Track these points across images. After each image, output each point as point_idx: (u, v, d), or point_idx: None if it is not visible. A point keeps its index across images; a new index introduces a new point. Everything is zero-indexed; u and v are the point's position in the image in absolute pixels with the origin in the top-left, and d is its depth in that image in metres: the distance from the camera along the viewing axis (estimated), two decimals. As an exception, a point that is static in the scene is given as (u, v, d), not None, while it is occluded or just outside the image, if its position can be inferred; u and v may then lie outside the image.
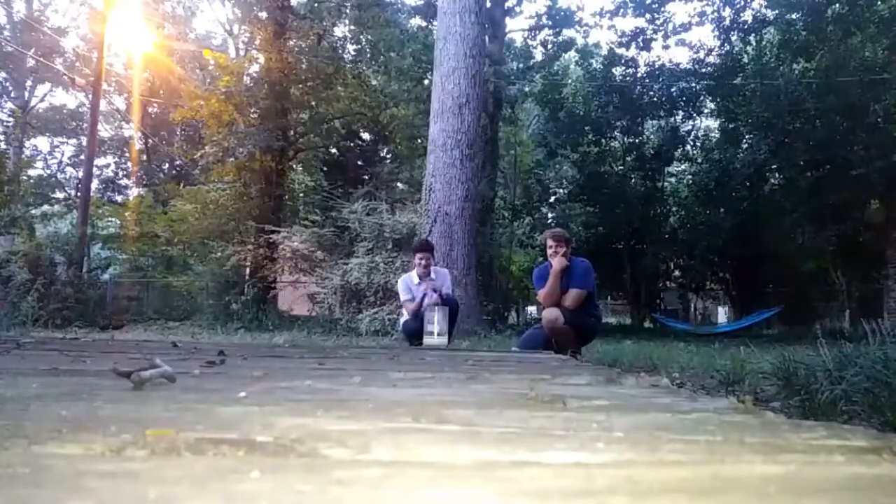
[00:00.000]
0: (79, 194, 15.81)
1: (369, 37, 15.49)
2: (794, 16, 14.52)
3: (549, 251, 4.58)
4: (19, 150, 21.45)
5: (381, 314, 8.36)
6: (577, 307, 4.41)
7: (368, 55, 16.21)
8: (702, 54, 16.39)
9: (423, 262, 5.18)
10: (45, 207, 21.48)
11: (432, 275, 5.25)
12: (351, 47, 17.10)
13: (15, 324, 8.36)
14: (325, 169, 18.65)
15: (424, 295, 5.04)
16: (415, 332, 4.98)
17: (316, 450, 0.80)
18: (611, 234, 17.00)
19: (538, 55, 17.11)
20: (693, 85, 16.56)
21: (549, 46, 16.75)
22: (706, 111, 18.11)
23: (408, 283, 5.28)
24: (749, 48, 16.73)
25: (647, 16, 15.82)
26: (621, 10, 15.88)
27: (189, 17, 23.04)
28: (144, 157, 23.41)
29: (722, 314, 21.15)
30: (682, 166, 19.15)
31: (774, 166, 15.93)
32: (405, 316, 5.36)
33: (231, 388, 1.57)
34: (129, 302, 13.71)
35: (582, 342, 4.61)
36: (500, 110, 14.93)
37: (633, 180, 17.29)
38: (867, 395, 1.94)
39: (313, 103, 15.54)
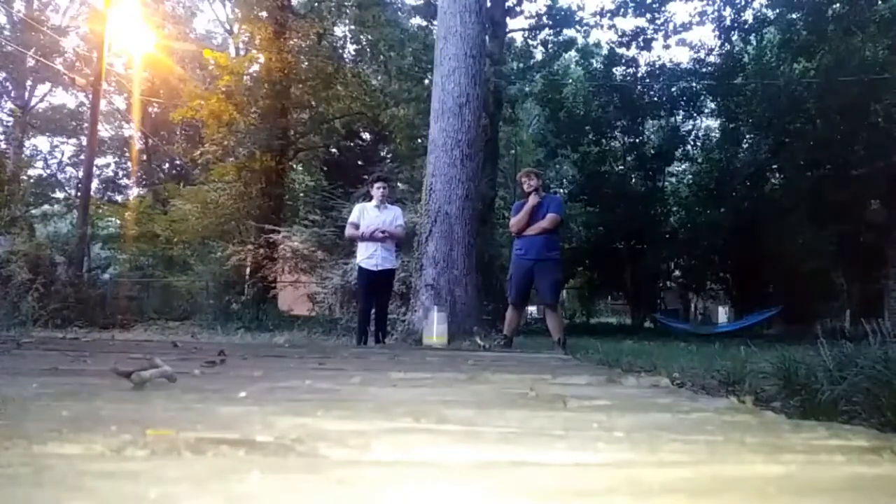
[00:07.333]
0: (79, 194, 15.80)
1: (369, 36, 15.46)
2: (794, 15, 14.51)
3: (526, 188, 5.19)
4: (19, 149, 21.43)
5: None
6: (552, 229, 5.07)
7: (368, 55, 16.18)
8: (702, 54, 16.40)
9: (382, 191, 5.53)
10: (45, 207, 21.43)
11: (388, 206, 5.61)
12: (351, 47, 17.09)
13: (15, 324, 8.33)
14: (325, 169, 18.63)
15: (374, 229, 5.35)
16: (363, 323, 5.38)
17: (316, 450, 0.79)
18: (611, 234, 16.97)
19: (538, 55, 17.06)
20: (693, 85, 16.54)
21: (550, 46, 16.70)
22: (707, 111, 18.09)
23: (360, 210, 5.60)
24: (749, 48, 16.71)
25: (648, 15, 15.80)
26: (622, 10, 15.85)
27: (189, 17, 23.03)
28: (144, 157, 23.40)
29: (722, 314, 21.14)
30: (683, 166, 19.13)
31: (775, 166, 15.91)
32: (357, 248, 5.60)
33: (231, 388, 1.57)
34: (129, 302, 13.67)
35: (554, 287, 5.24)
36: (501, 110, 14.89)
37: (633, 180, 17.28)
38: (868, 395, 1.94)
39: (313, 103, 15.52)
